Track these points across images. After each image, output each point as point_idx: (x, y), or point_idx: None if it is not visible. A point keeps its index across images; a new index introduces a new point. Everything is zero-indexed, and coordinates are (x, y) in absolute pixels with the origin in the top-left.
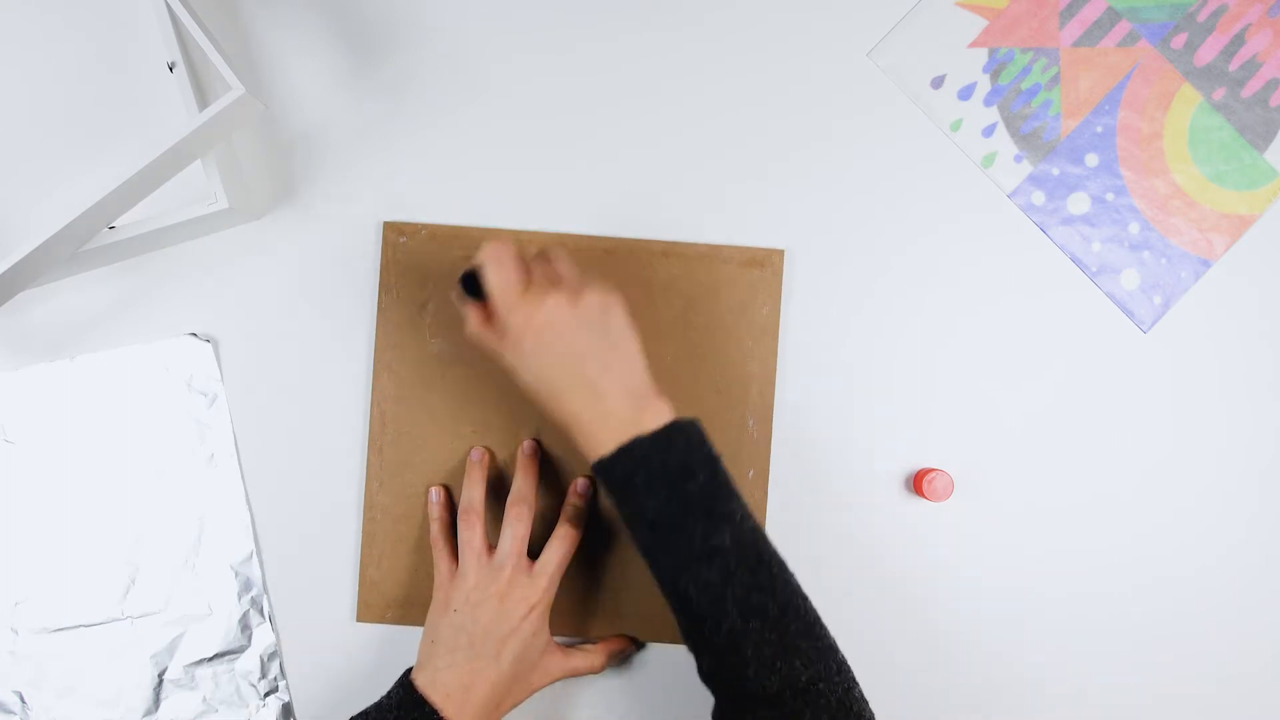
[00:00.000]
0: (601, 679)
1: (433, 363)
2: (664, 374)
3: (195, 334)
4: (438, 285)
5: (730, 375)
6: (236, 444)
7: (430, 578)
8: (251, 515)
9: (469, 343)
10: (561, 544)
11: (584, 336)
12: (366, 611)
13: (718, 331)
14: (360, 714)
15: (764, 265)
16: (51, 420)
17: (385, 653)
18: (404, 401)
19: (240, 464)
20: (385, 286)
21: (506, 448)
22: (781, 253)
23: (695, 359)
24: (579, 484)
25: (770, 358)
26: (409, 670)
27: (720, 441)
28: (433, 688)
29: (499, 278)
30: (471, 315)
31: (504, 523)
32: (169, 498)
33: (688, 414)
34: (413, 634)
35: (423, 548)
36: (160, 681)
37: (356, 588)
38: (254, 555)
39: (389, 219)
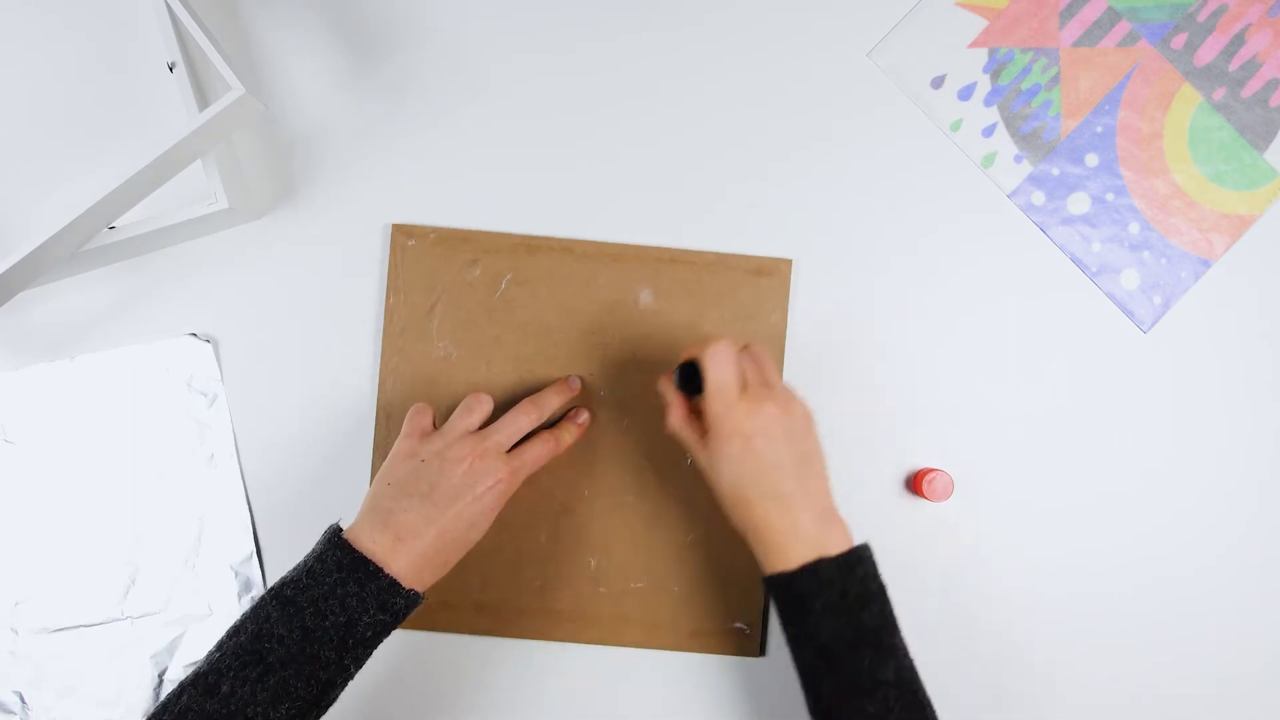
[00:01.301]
0: (600, 687)
1: (440, 365)
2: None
3: (195, 334)
4: (445, 289)
5: None
6: (236, 444)
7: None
8: (252, 515)
9: (667, 434)
10: (544, 445)
11: (787, 450)
12: None
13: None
14: (290, 581)
15: (772, 274)
16: (51, 420)
17: (390, 655)
18: (410, 406)
19: (240, 464)
20: (393, 289)
21: None
22: (790, 262)
23: None
24: (582, 414)
25: (777, 362)
26: (337, 530)
27: None
28: (383, 529)
29: (720, 376)
30: (675, 409)
31: (507, 414)
32: (169, 498)
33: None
34: (422, 638)
35: None
36: (160, 681)
37: None
38: (254, 555)
39: (391, 219)
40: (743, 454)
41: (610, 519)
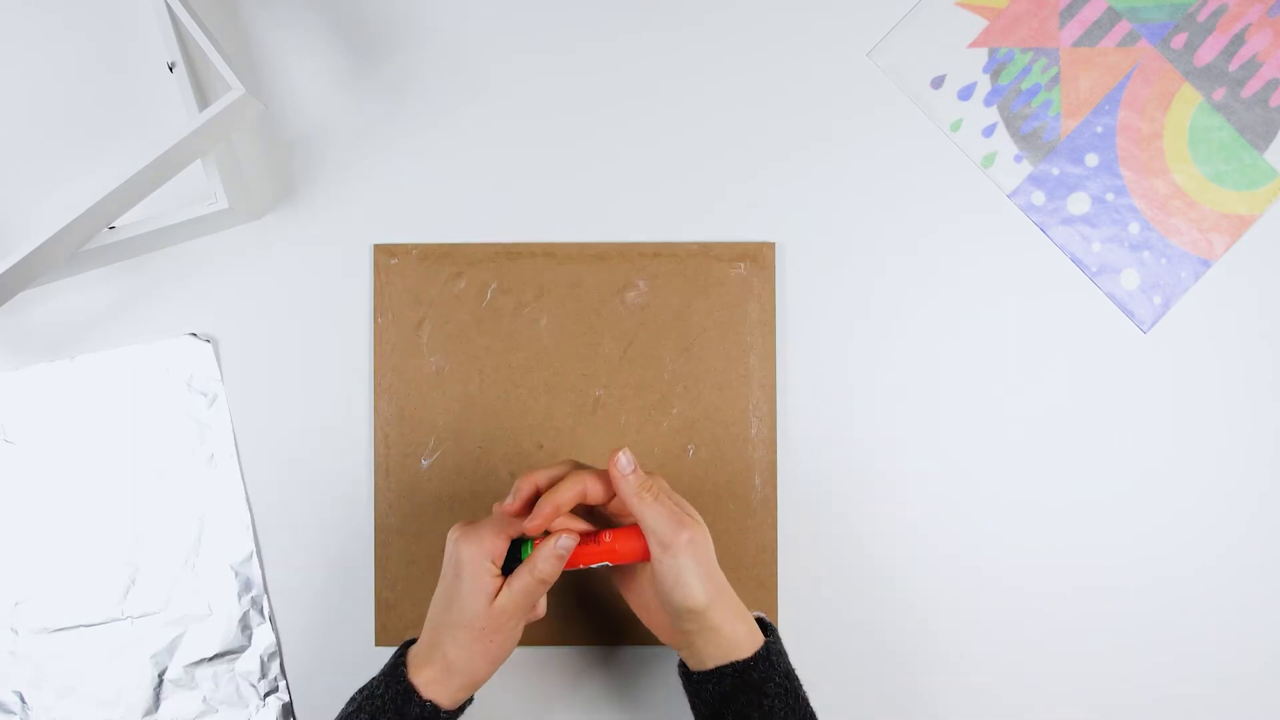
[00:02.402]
0: (614, 687)
1: (432, 380)
2: (664, 375)
3: (195, 334)
4: (432, 303)
5: (731, 371)
6: (236, 444)
7: None
8: (252, 515)
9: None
10: (526, 590)
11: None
12: (385, 635)
13: (713, 328)
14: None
15: (755, 259)
16: (51, 420)
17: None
18: (406, 423)
19: (240, 464)
20: (380, 309)
21: (513, 461)
22: (772, 245)
23: (694, 358)
24: (563, 543)
25: (769, 351)
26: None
27: (725, 439)
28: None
29: (654, 513)
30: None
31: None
32: (169, 498)
33: (692, 412)
34: None
35: (436, 568)
36: (160, 681)
37: (371, 597)
38: (254, 555)
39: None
40: (701, 556)
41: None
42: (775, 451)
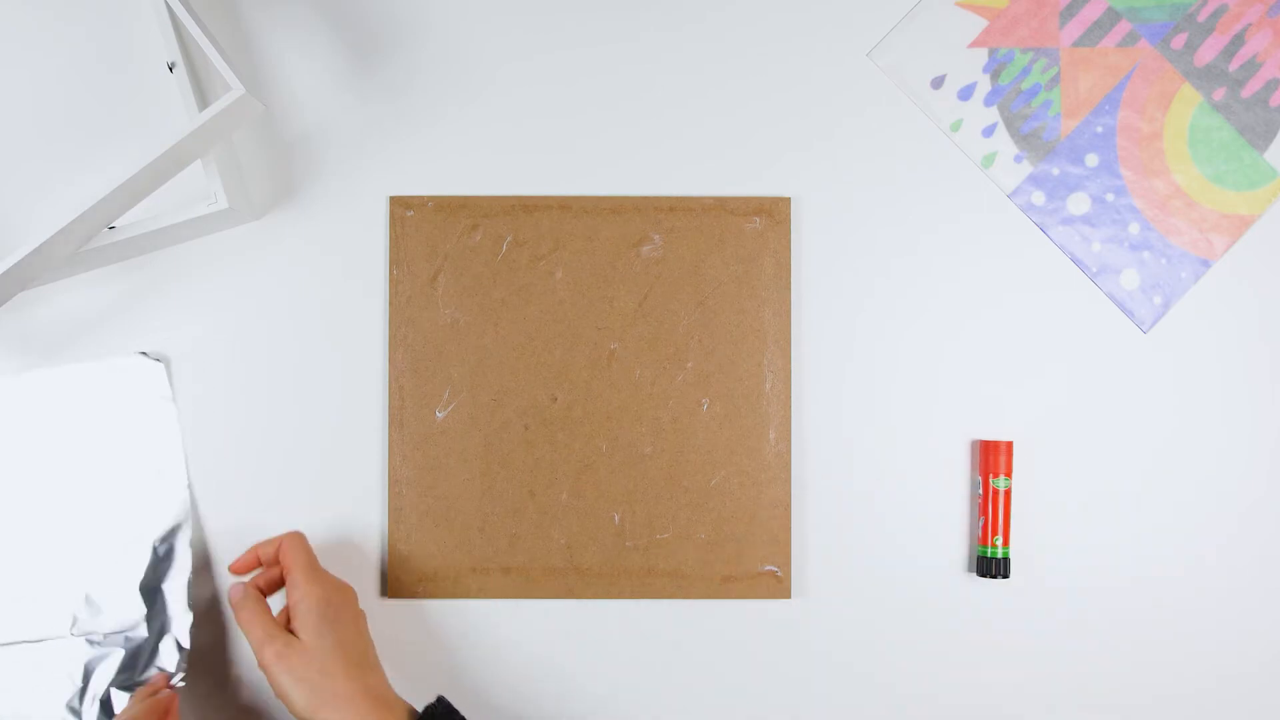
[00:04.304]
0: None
1: (448, 332)
2: (679, 329)
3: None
4: (447, 256)
5: (745, 326)
6: (186, 458)
7: (457, 550)
8: (202, 529)
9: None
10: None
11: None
12: (397, 587)
13: (728, 282)
14: None
15: (771, 213)
16: (15, 431)
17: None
18: (421, 374)
19: (189, 478)
20: (395, 261)
21: (528, 414)
22: (788, 200)
23: (709, 312)
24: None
25: (784, 305)
26: None
27: (739, 394)
28: None
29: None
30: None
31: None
32: (122, 514)
33: (706, 366)
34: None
35: (450, 520)
36: (108, 697)
37: (384, 565)
38: (209, 568)
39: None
40: (296, 665)
41: (630, 471)
42: (789, 406)
